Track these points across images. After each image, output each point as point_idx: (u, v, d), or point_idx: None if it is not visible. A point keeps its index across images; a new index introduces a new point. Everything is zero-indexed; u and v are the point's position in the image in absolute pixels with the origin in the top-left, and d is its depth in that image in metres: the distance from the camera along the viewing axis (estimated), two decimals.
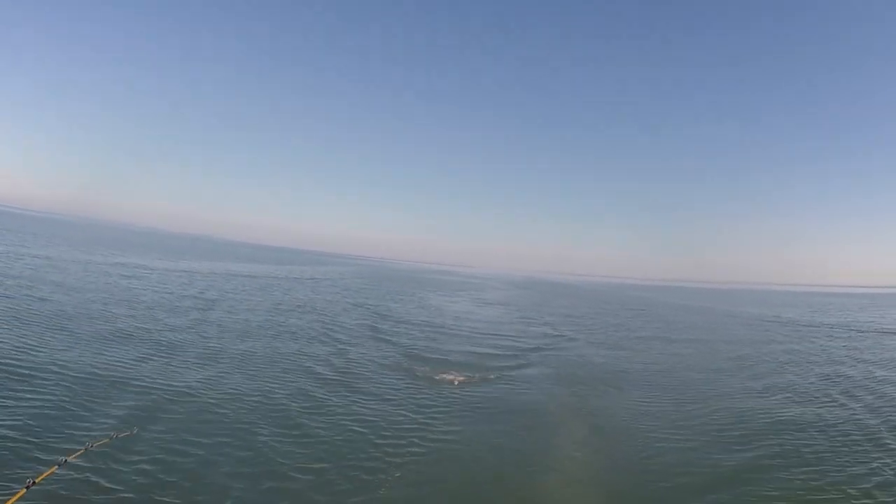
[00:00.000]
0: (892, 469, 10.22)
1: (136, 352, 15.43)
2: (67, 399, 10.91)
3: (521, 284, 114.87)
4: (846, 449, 11.29)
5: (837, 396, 15.99)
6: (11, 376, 11.74)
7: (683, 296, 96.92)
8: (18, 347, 14.07)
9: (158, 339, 17.48)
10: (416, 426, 11.79)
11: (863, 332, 35.55)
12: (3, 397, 10.47)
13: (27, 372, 12.17)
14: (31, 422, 9.52)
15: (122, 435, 7.85)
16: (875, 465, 10.43)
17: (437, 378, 16.28)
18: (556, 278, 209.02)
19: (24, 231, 76.05)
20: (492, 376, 17.22)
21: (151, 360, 14.90)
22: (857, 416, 13.83)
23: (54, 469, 5.81)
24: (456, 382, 15.72)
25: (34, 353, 13.81)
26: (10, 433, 8.95)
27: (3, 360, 12.66)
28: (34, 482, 5.20)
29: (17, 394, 10.77)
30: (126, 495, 7.68)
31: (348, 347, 19.97)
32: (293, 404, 12.55)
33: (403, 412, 12.71)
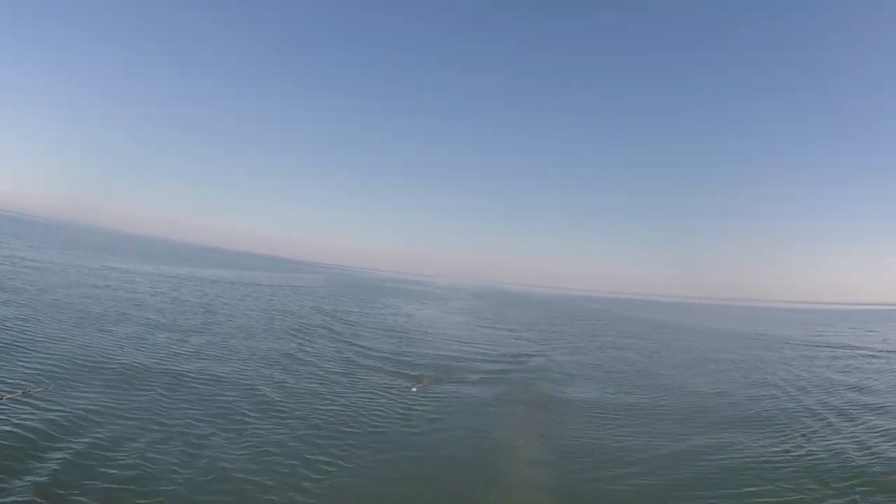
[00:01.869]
0: None
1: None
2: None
3: (486, 294, 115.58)
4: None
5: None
6: None
7: (653, 309, 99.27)
8: None
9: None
10: (373, 430, 11.81)
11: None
12: None
13: None
14: None
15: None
16: None
17: (401, 382, 16.46)
18: (534, 291, 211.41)
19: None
20: (454, 379, 17.76)
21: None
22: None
23: None
24: (414, 389, 15.68)
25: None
26: None
27: None
28: None
29: None
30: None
31: (316, 352, 19.81)
32: (246, 405, 12.40)
33: (363, 416, 12.68)
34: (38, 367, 12.71)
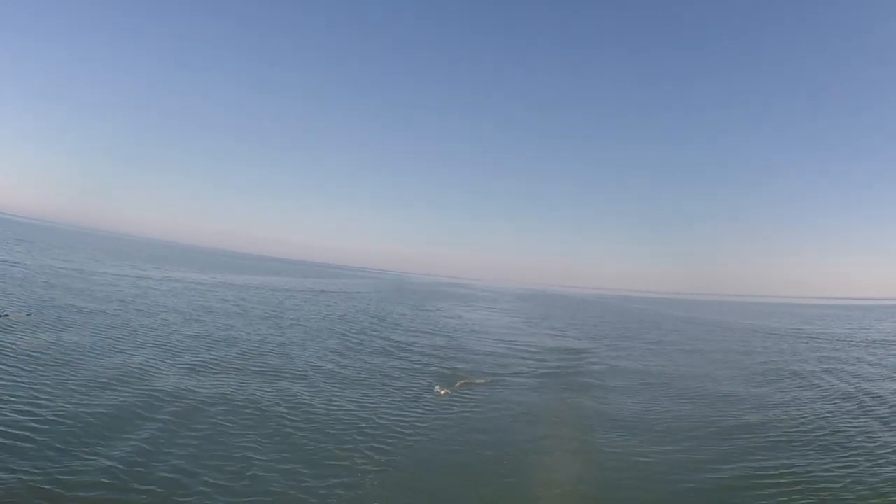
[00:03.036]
0: None
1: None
2: None
3: (529, 297, 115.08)
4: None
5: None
6: None
7: (688, 308, 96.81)
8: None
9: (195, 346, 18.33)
10: (415, 431, 11.58)
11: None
12: None
13: None
14: None
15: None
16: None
17: (437, 384, 15.83)
18: (567, 291, 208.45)
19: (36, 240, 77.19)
20: (491, 381, 17.16)
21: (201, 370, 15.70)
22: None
23: None
24: (442, 392, 14.85)
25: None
26: None
27: None
28: None
29: None
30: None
31: (370, 355, 20.49)
32: (286, 406, 12.38)
33: (406, 416, 12.52)
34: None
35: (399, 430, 11.52)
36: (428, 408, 13.40)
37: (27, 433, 8.99)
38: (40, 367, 12.66)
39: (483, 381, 16.90)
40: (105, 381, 12.42)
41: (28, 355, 13.33)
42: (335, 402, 13.22)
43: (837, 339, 36.56)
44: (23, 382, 11.38)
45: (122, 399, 11.38)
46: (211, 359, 16.22)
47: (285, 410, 12.07)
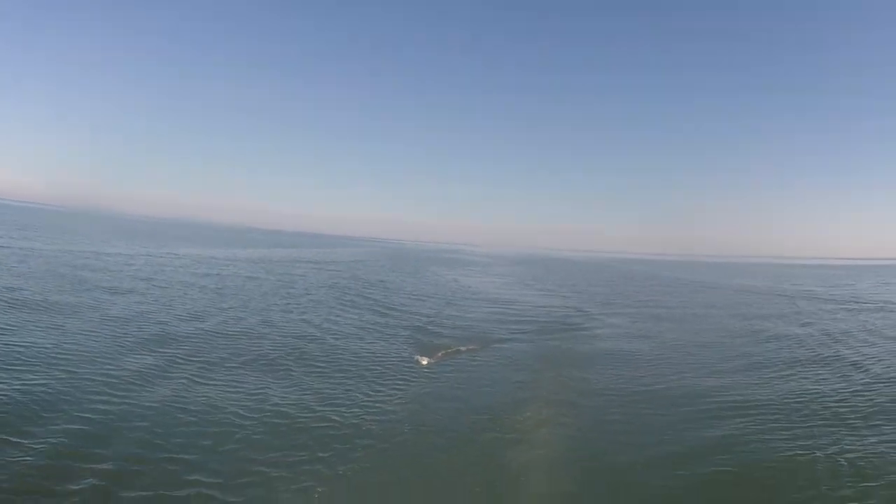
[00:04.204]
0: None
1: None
2: None
3: (525, 261, 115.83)
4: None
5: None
6: None
7: (681, 269, 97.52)
8: None
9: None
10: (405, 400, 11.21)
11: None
12: None
13: None
14: None
15: None
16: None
17: (422, 351, 15.29)
18: (564, 255, 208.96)
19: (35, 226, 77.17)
20: (479, 346, 16.67)
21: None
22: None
23: None
24: (424, 362, 14.15)
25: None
26: None
27: None
28: None
29: None
30: None
31: (348, 321, 19.93)
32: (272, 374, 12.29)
33: (392, 386, 12.09)
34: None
35: (375, 403, 10.84)
36: (407, 379, 12.69)
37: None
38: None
39: (466, 348, 16.10)
40: (141, 341, 14.08)
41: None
42: (316, 370, 12.91)
43: (812, 297, 37.31)
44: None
45: (150, 359, 12.63)
46: (222, 320, 17.78)
47: (262, 385, 11.46)
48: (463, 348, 16.09)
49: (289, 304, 22.98)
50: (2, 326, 14.00)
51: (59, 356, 12.05)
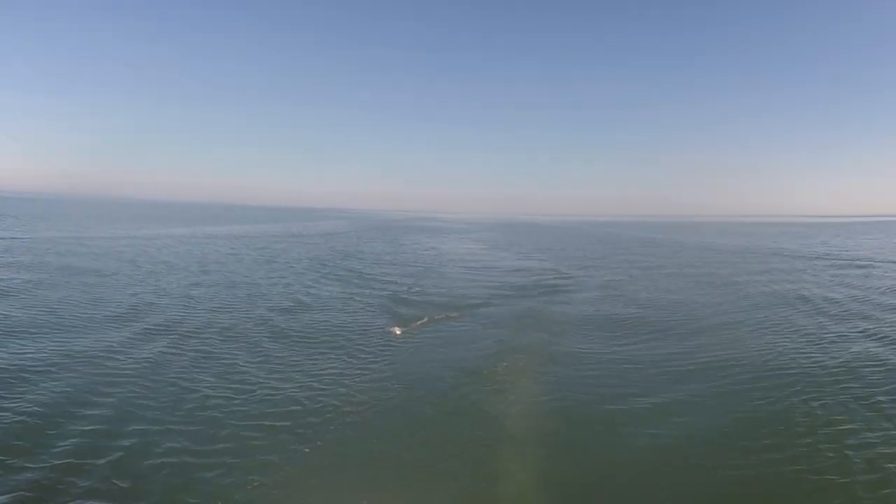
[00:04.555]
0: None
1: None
2: None
3: (498, 227, 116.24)
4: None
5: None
6: None
7: (658, 229, 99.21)
8: None
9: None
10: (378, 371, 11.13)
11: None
12: None
13: None
14: None
15: None
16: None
17: (398, 321, 15.28)
18: (537, 220, 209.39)
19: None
20: (452, 313, 16.64)
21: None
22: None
23: None
24: (398, 332, 14.10)
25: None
26: None
27: None
28: None
29: None
30: None
31: (326, 293, 19.85)
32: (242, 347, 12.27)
33: (358, 360, 11.81)
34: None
35: (355, 372, 10.86)
36: (381, 349, 12.64)
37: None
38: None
39: (442, 316, 16.14)
40: (127, 314, 14.81)
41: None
42: (296, 342, 12.89)
43: (781, 254, 38.59)
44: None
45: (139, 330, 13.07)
46: (208, 293, 18.51)
47: (240, 361, 11.31)
48: (441, 315, 16.16)
49: (271, 277, 23.00)
50: None
51: (37, 329, 12.32)
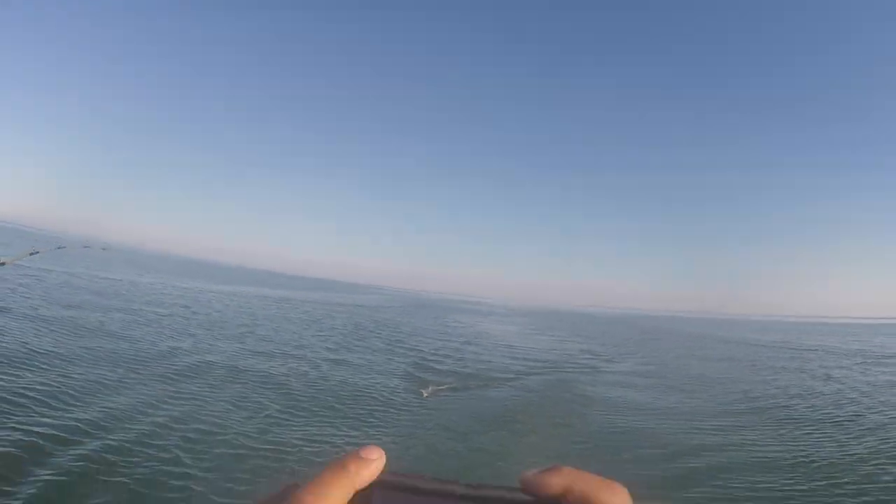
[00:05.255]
0: None
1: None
2: None
3: (535, 312, 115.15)
4: None
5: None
6: None
7: (698, 324, 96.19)
8: None
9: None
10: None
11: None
12: None
13: None
14: None
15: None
16: None
17: (433, 386, 15.80)
18: (582, 310, 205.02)
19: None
20: (480, 383, 17.27)
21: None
22: None
23: None
24: (426, 394, 14.53)
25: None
26: None
27: None
28: None
29: None
30: None
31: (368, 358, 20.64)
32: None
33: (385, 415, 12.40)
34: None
35: (372, 425, 11.53)
36: (406, 408, 13.17)
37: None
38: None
39: (464, 384, 16.74)
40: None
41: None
42: (328, 399, 13.25)
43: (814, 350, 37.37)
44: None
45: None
46: (252, 347, 18.98)
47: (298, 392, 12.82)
48: (470, 384, 16.75)
49: (313, 339, 23.90)
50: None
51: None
